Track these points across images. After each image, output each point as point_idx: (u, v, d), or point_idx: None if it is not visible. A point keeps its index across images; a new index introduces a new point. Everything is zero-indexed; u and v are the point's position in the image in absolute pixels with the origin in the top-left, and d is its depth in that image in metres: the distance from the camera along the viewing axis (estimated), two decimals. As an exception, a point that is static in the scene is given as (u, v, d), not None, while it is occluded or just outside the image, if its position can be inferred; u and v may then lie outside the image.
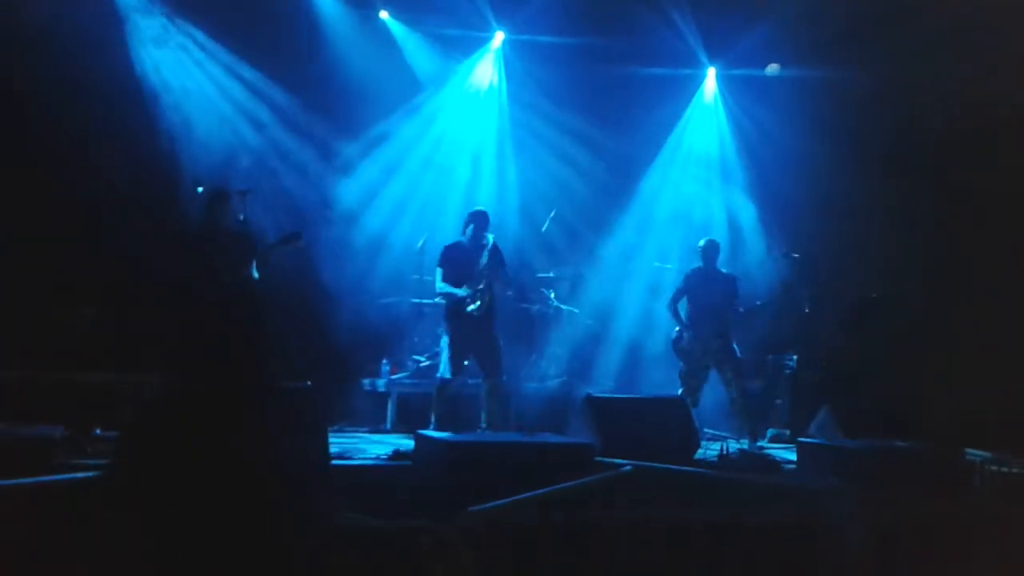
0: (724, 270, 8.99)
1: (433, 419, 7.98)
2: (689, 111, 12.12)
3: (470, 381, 8.42)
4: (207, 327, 2.99)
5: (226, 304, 3.04)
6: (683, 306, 8.84)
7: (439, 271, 8.17)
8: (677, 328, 8.75)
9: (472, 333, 7.93)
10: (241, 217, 7.59)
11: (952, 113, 9.98)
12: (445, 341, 8.08)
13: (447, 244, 8.31)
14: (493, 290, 7.97)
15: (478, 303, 7.91)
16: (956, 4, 9.52)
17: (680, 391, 8.56)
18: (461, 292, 7.96)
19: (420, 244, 10.11)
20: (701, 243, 9.04)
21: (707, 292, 8.70)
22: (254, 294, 2.81)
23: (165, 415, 2.89)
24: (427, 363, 9.70)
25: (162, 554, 2.79)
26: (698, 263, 8.94)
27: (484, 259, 7.95)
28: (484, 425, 7.91)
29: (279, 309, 7.73)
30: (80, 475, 5.13)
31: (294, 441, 2.98)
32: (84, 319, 8.11)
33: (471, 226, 8.11)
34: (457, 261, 8.07)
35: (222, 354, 2.96)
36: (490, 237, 8.05)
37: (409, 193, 10.84)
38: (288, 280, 8.48)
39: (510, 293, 8.95)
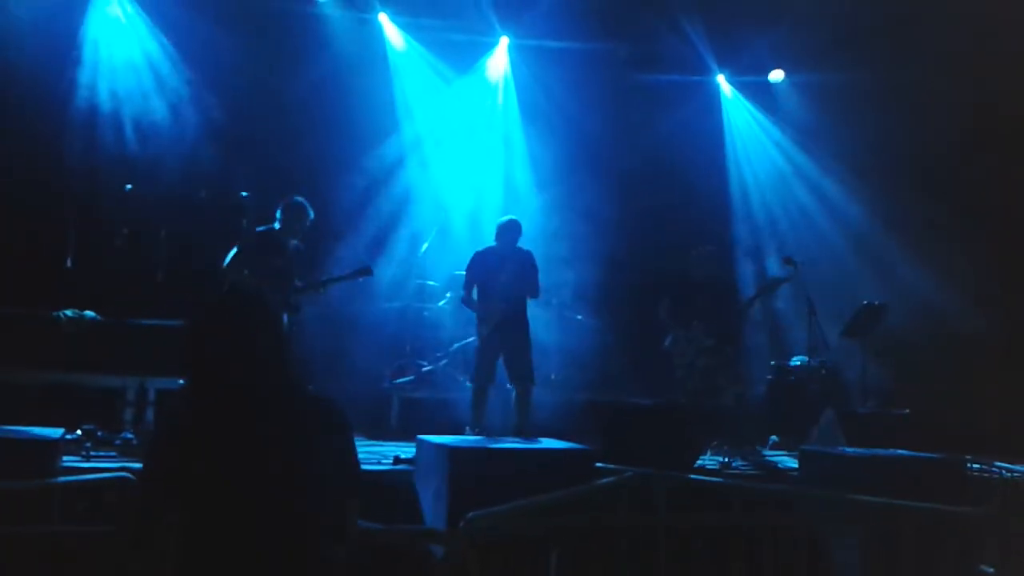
0: (724, 276, 8.97)
1: (469, 424, 7.98)
2: (726, 123, 12.27)
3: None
4: (249, 332, 2.97)
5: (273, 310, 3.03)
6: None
7: (465, 276, 8.21)
8: (670, 335, 8.77)
9: (503, 339, 7.93)
10: (245, 224, 7.64)
11: (961, 117, 9.99)
12: (477, 346, 8.11)
13: (477, 250, 8.29)
14: (512, 308, 7.94)
15: (484, 328, 7.96)
16: (962, 7, 9.55)
17: (680, 398, 8.56)
18: (476, 310, 8.06)
19: (423, 249, 10.12)
20: (696, 251, 9.06)
21: (699, 298, 8.69)
22: (262, 300, 2.85)
23: (198, 418, 2.88)
24: (429, 368, 9.72)
25: (187, 557, 2.79)
26: (693, 270, 8.98)
27: (507, 273, 7.96)
28: (514, 431, 7.89)
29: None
30: (85, 477, 5.17)
31: (323, 450, 2.97)
32: (86, 321, 8.11)
33: (501, 235, 8.13)
34: (482, 269, 8.08)
35: (255, 358, 2.95)
36: (519, 246, 8.08)
37: (412, 197, 10.84)
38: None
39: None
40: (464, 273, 8.32)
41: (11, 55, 9.08)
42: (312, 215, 7.71)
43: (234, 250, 7.49)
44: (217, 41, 9.80)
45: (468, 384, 8.14)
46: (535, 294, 8.22)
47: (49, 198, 9.05)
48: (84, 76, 9.65)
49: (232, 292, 3.19)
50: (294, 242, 7.71)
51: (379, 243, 10.46)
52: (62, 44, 9.56)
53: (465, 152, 11.36)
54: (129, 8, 10.03)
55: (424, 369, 9.69)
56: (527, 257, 8.14)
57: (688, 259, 8.91)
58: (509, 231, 8.10)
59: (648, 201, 11.18)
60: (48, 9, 9.45)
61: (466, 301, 8.21)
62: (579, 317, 10.30)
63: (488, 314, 7.93)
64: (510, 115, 11.62)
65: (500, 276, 7.96)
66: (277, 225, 7.67)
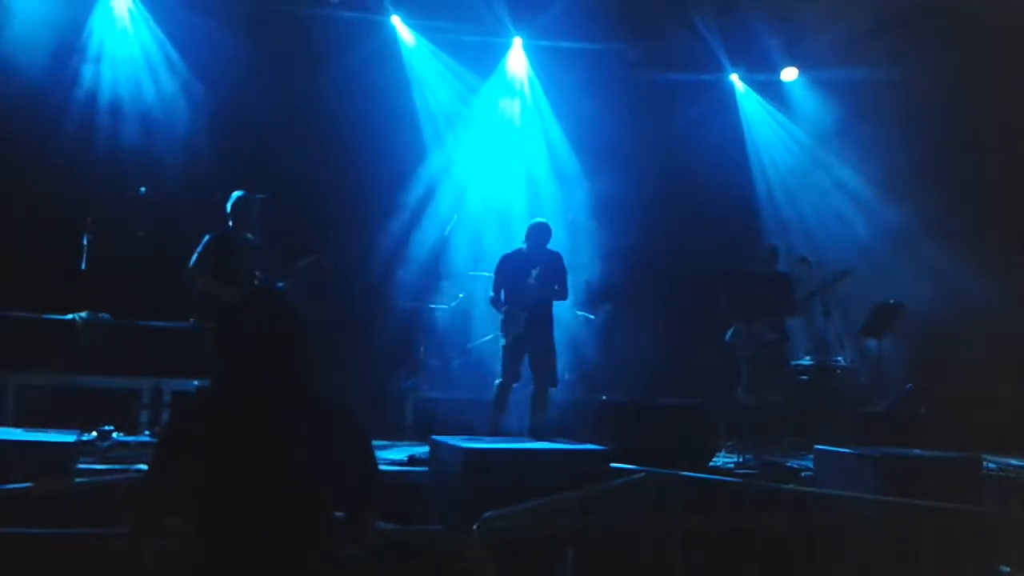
0: (782, 272, 8.98)
1: (489, 423, 7.99)
2: (743, 120, 12.28)
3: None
4: (244, 333, 2.98)
5: (266, 309, 3.03)
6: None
7: (494, 278, 8.22)
8: (731, 328, 8.74)
9: (533, 337, 7.94)
10: (258, 226, 7.64)
11: (978, 115, 9.94)
12: (502, 345, 8.10)
13: (506, 252, 8.29)
14: (539, 310, 7.97)
15: (508, 336, 7.98)
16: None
17: (740, 390, 8.54)
18: (502, 315, 8.05)
19: (436, 248, 10.14)
20: (761, 248, 9.13)
21: (759, 293, 8.70)
22: (289, 302, 2.80)
23: (210, 421, 2.89)
24: (442, 367, 9.73)
25: (202, 557, 2.80)
26: (754, 265, 8.99)
27: (533, 276, 7.93)
28: (529, 431, 7.90)
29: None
30: (101, 479, 5.19)
31: (341, 455, 2.98)
32: (101, 324, 8.15)
33: (530, 237, 8.12)
34: (511, 271, 8.09)
35: (266, 361, 2.96)
36: (548, 248, 8.09)
37: (427, 198, 10.84)
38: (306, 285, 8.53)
39: None
40: (478, 273, 8.31)
41: (18, 56, 9.13)
42: (249, 202, 7.55)
43: (195, 255, 7.38)
44: (228, 44, 9.85)
45: (497, 381, 8.11)
46: (563, 296, 8.24)
47: (62, 201, 9.10)
48: (95, 78, 9.74)
49: (264, 294, 3.19)
50: (249, 236, 7.61)
51: (395, 243, 10.46)
52: (71, 46, 9.65)
53: (482, 151, 11.36)
54: (137, 11, 10.09)
55: (437, 368, 9.70)
56: (556, 259, 8.14)
57: (747, 255, 8.97)
58: (539, 233, 8.10)
59: (668, 199, 11.17)
60: (56, 11, 9.52)
61: (495, 302, 8.19)
62: (592, 316, 10.27)
63: (516, 316, 7.94)
64: (527, 115, 11.63)
65: (529, 278, 7.97)
66: (231, 223, 7.56)
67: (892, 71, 10.38)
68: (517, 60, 11.57)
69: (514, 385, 8.07)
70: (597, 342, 10.09)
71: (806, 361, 9.94)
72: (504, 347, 8.07)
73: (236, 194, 7.61)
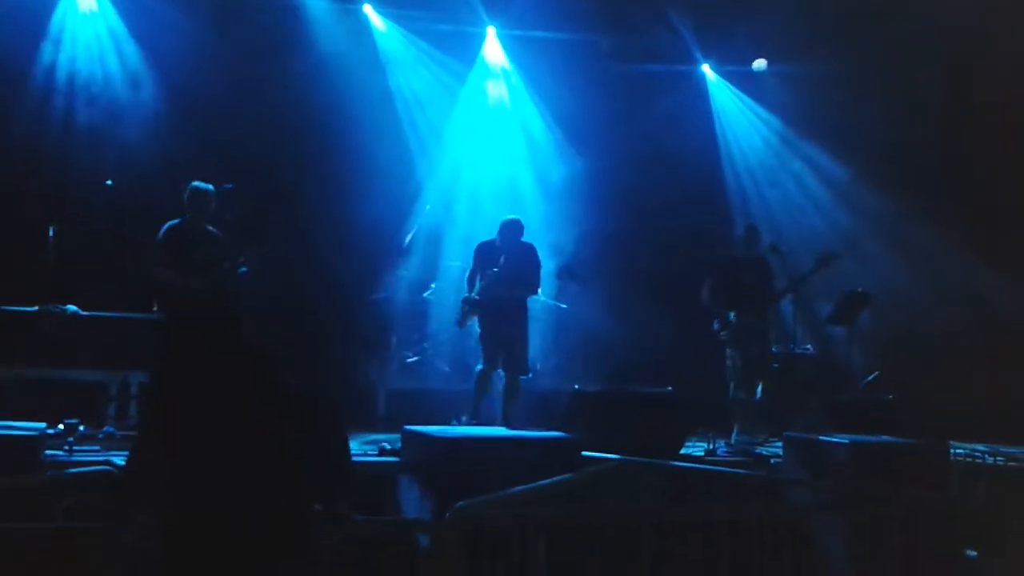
0: (764, 257, 8.99)
1: (468, 413, 8.06)
2: (714, 110, 12.30)
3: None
4: (215, 326, 2.96)
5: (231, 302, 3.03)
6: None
7: (472, 266, 8.31)
8: (718, 319, 8.69)
9: (501, 327, 8.00)
10: (226, 217, 7.59)
11: (945, 107, 10.02)
12: (478, 334, 8.17)
13: (482, 241, 8.38)
14: (510, 299, 8.04)
15: (457, 319, 8.20)
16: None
17: (732, 386, 8.53)
18: (467, 295, 8.17)
19: (408, 239, 10.09)
20: (742, 230, 9.13)
21: (746, 277, 8.68)
22: (251, 293, 2.77)
23: (186, 415, 2.86)
24: (414, 359, 9.70)
25: (174, 551, 2.78)
26: (734, 250, 8.98)
27: (507, 265, 7.97)
28: (501, 420, 7.94)
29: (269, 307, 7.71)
30: (70, 471, 5.13)
31: (315, 444, 2.96)
32: (68, 315, 8.04)
33: (503, 233, 8.17)
34: (483, 261, 8.19)
35: (242, 352, 2.93)
36: (520, 241, 8.15)
37: (399, 187, 10.78)
38: (275, 276, 8.44)
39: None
40: (451, 263, 8.28)
41: None
42: (204, 194, 7.54)
43: (151, 246, 7.40)
44: (193, 31, 9.73)
45: (478, 368, 8.17)
46: (532, 291, 8.30)
47: (27, 193, 8.97)
48: (60, 68, 9.59)
49: (222, 288, 3.17)
50: (208, 228, 7.61)
51: (367, 234, 10.39)
52: (36, 34, 9.51)
53: (458, 140, 11.32)
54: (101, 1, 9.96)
55: (409, 360, 9.67)
56: (529, 251, 8.19)
57: (719, 240, 8.95)
58: (511, 230, 8.15)
59: (642, 187, 11.16)
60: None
61: (468, 289, 8.28)
62: (564, 305, 10.28)
63: (481, 300, 7.97)
64: (504, 104, 11.60)
65: (500, 268, 8.00)
66: (187, 216, 7.56)
67: (855, 65, 10.46)
68: (493, 49, 11.52)
69: (494, 373, 8.10)
70: (568, 329, 10.11)
71: (779, 350, 9.97)
72: (479, 335, 8.13)
73: (191, 185, 7.61)
